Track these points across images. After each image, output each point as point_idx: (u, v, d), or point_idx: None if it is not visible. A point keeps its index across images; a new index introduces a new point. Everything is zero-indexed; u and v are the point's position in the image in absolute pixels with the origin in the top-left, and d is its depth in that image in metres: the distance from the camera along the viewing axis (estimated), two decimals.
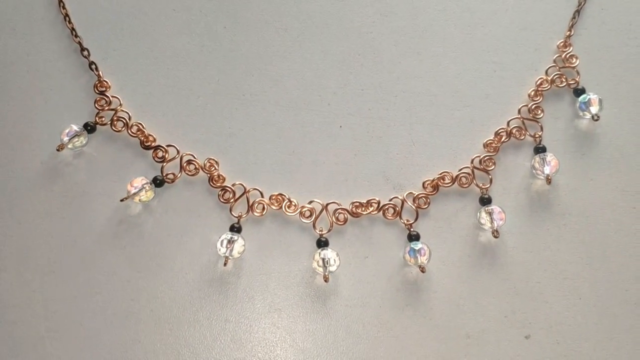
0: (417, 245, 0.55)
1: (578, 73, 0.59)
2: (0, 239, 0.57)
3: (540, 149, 0.58)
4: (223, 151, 0.58)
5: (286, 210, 0.57)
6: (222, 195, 0.57)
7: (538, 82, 0.59)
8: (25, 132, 0.58)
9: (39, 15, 0.60)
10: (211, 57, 0.59)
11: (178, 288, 0.55)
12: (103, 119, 0.58)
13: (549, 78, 0.59)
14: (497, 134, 0.58)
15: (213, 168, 0.57)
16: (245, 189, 0.57)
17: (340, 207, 0.57)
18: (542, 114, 0.59)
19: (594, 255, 0.56)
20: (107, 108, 0.58)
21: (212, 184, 0.57)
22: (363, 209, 0.57)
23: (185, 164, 0.57)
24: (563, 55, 0.60)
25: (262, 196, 0.57)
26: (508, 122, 0.58)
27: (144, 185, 0.55)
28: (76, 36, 0.59)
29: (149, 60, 0.59)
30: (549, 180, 0.56)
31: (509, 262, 0.56)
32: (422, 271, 0.55)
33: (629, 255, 0.57)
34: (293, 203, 0.57)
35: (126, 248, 0.56)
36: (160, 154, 0.57)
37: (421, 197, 0.57)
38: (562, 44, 0.60)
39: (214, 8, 0.60)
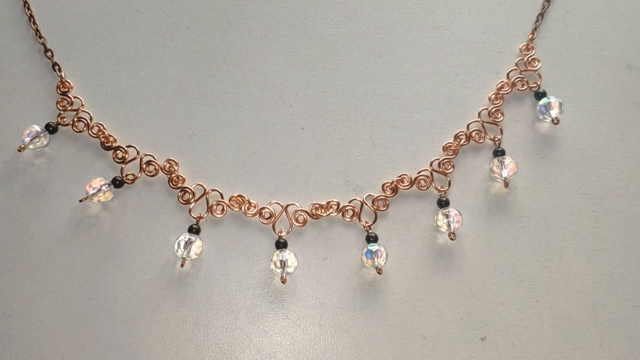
0: (374, 247, 0.55)
1: (540, 76, 0.60)
2: None
3: (499, 152, 0.58)
4: (184, 152, 0.58)
5: (246, 212, 0.57)
6: (182, 196, 0.57)
7: (499, 86, 0.59)
8: None
9: (4, 16, 0.60)
10: (173, 57, 0.59)
11: (136, 288, 0.56)
12: (65, 119, 0.58)
13: (510, 81, 0.60)
14: (456, 137, 0.58)
15: (173, 169, 0.57)
16: (205, 190, 0.57)
17: (300, 208, 0.57)
18: (502, 117, 0.59)
19: (551, 258, 0.57)
20: (69, 109, 0.58)
21: (171, 184, 0.57)
22: (322, 210, 0.57)
23: (144, 165, 0.57)
24: (525, 59, 0.60)
25: (222, 197, 0.58)
26: (468, 125, 0.59)
27: (102, 187, 0.56)
28: (40, 37, 0.60)
29: (112, 60, 0.59)
30: (506, 183, 0.57)
31: (465, 264, 0.56)
32: (379, 273, 0.55)
33: (587, 258, 0.57)
34: (253, 204, 0.57)
35: (85, 248, 0.56)
36: (120, 154, 0.57)
37: (380, 199, 0.58)
38: (524, 47, 0.60)
39: (177, 9, 0.60)
